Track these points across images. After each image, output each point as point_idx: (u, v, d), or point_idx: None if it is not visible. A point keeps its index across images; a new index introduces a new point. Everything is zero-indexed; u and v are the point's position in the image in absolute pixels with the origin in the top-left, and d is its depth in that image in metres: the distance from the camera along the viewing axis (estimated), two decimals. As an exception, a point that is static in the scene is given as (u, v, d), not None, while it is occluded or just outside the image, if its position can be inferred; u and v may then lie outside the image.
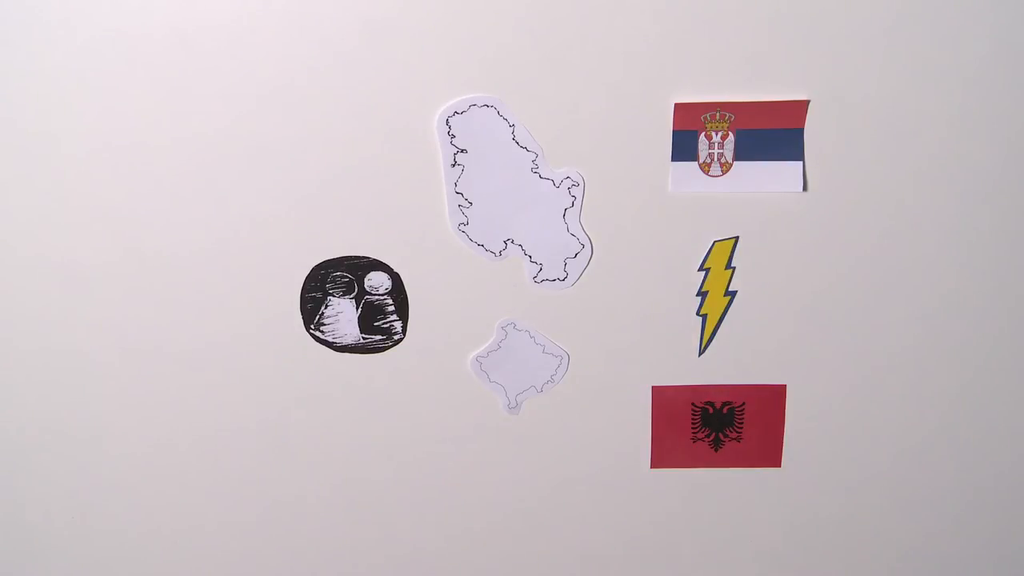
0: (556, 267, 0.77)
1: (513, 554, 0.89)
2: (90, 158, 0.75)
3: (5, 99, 0.73)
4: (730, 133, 0.72)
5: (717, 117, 0.72)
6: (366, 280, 0.78)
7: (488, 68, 0.71)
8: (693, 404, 0.82)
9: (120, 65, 0.72)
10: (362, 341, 0.80)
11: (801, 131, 0.72)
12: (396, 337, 0.80)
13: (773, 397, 0.82)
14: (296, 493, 0.87)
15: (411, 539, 0.89)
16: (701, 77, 0.71)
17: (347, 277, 0.78)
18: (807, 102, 0.71)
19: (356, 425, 0.84)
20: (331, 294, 0.79)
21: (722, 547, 0.88)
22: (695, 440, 0.84)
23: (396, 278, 0.78)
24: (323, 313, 0.79)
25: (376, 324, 0.80)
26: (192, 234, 0.77)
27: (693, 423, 0.83)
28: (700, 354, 0.80)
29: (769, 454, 0.84)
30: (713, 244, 0.76)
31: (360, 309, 0.79)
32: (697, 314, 0.79)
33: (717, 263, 0.77)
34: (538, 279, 0.78)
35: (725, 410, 0.83)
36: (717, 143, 0.72)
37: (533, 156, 0.73)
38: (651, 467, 0.85)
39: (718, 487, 0.86)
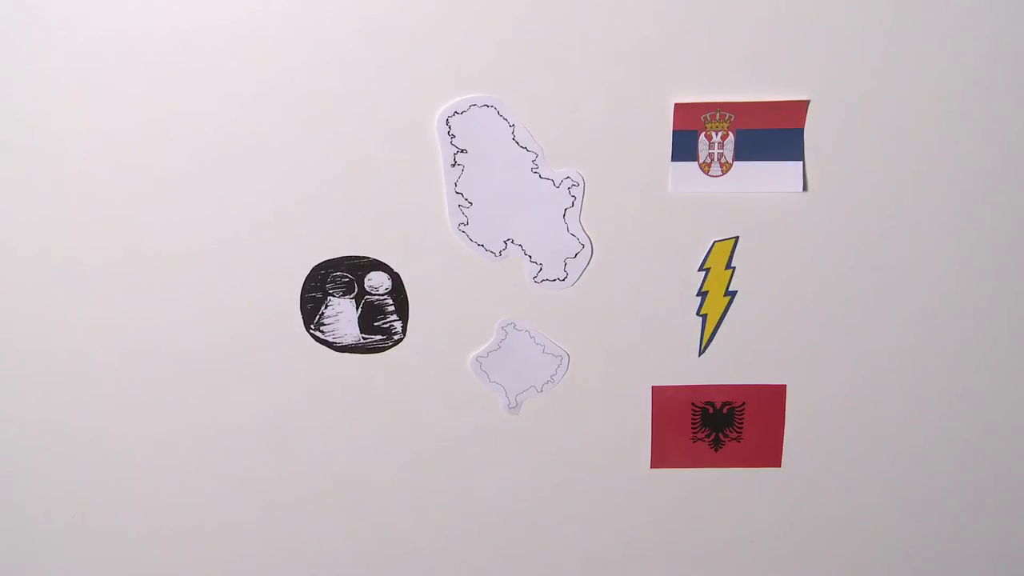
0: (556, 267, 0.77)
1: (513, 554, 0.89)
2: (90, 158, 0.75)
3: (5, 99, 0.73)
4: (730, 133, 0.72)
5: (717, 117, 0.72)
6: (366, 280, 0.78)
7: (488, 68, 0.71)
8: (693, 404, 0.82)
9: (120, 65, 0.72)
10: (362, 341, 0.80)
11: (801, 131, 0.72)
12: (396, 337, 0.80)
13: (773, 397, 0.82)
14: (296, 493, 0.87)
15: (411, 539, 0.89)
16: (701, 77, 0.71)
17: (347, 277, 0.78)
18: (807, 102, 0.71)
19: (356, 425, 0.84)
20: (331, 294, 0.79)
21: (722, 547, 0.88)
22: (695, 440, 0.84)
23: (396, 278, 0.78)
24: (323, 313, 0.79)
25: (376, 324, 0.80)
26: (192, 234, 0.77)
27: (693, 423, 0.83)
28: (700, 354, 0.80)
29: (769, 454, 0.84)
30: (713, 244, 0.76)
31: (360, 309, 0.79)
32: (697, 314, 0.79)
33: (717, 263, 0.77)
34: (538, 279, 0.78)
35: (725, 410, 0.83)
36: (717, 143, 0.72)
37: (533, 156, 0.73)
38: (651, 467, 0.85)
39: (718, 487, 0.86)
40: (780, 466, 0.85)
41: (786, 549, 0.88)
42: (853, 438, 0.83)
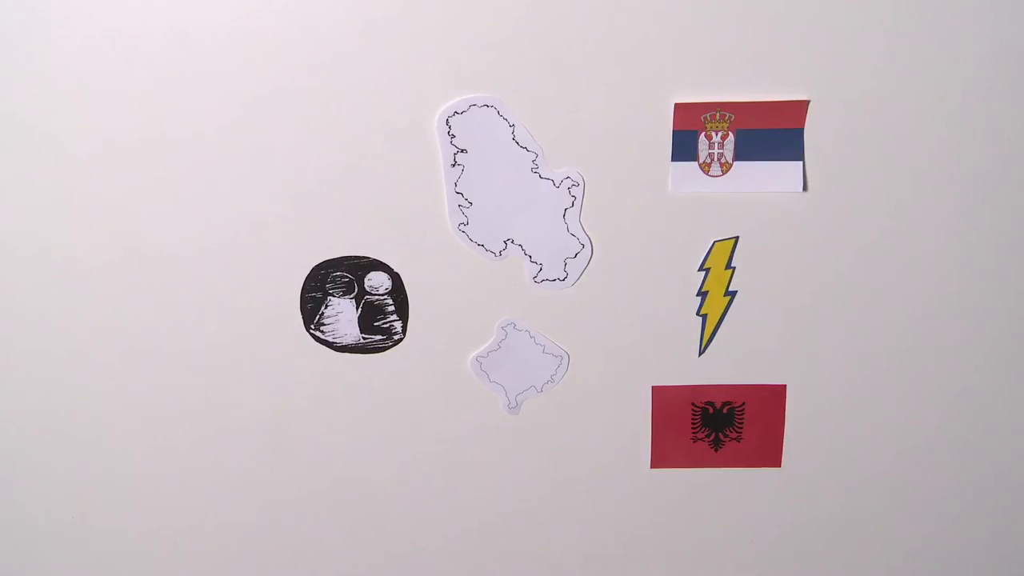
0: (556, 267, 0.77)
1: (513, 554, 0.89)
2: (90, 158, 0.75)
3: (5, 99, 0.73)
4: (730, 133, 0.72)
5: (717, 117, 0.72)
6: (366, 280, 0.78)
7: (488, 68, 0.71)
8: (693, 404, 0.82)
9: (120, 65, 0.72)
10: (362, 341, 0.80)
11: (801, 131, 0.72)
12: (396, 337, 0.80)
13: (773, 397, 0.82)
14: (296, 493, 0.87)
15: (411, 539, 0.89)
16: (701, 77, 0.71)
17: (347, 277, 0.78)
18: (807, 102, 0.71)
19: (356, 425, 0.84)
20: (331, 294, 0.79)
21: (722, 547, 0.88)
22: (695, 440, 0.84)
23: (396, 278, 0.78)
24: (323, 313, 0.79)
25: (376, 324, 0.80)
26: (192, 234, 0.77)
27: (693, 423, 0.83)
28: (700, 354, 0.80)
29: (769, 454, 0.84)
30: (713, 244, 0.76)
31: (360, 309, 0.79)
32: (697, 314, 0.79)
33: (717, 263, 0.77)
34: (538, 279, 0.78)
35: (725, 410, 0.83)
36: (717, 143, 0.72)
37: (533, 156, 0.73)
38: (651, 467, 0.85)
39: (718, 487, 0.86)
40: (780, 466, 0.85)
41: (786, 549, 0.88)
42: (853, 438, 0.83)
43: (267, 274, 0.78)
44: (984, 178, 0.73)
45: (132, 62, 0.71)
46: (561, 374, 0.81)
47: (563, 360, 0.81)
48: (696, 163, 0.73)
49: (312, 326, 0.80)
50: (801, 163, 0.73)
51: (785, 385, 0.82)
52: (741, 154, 0.73)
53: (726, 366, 0.81)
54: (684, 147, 0.73)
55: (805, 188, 0.74)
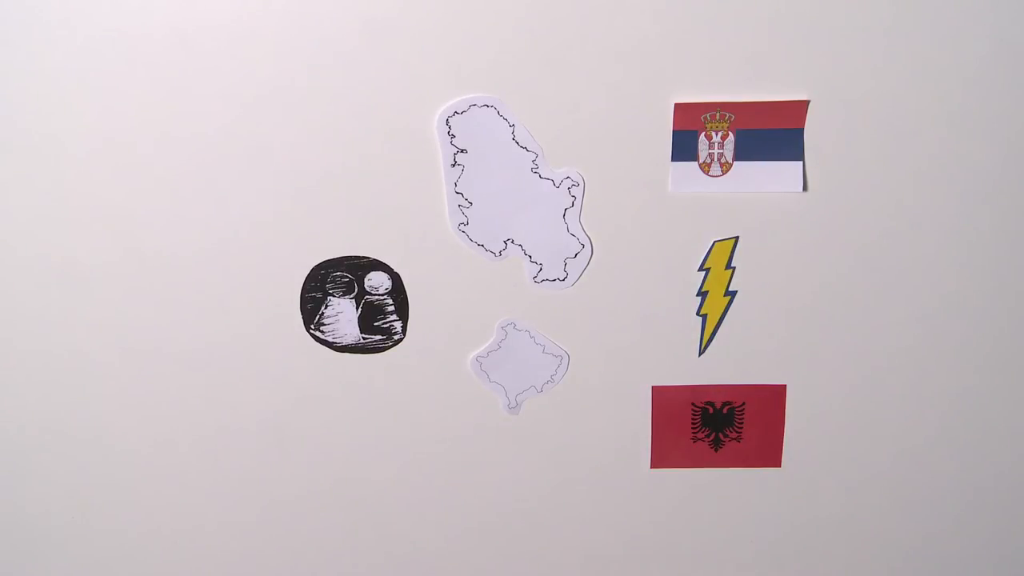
0: (556, 267, 0.77)
1: (513, 554, 0.89)
2: (90, 158, 0.75)
3: (5, 99, 0.73)
4: (730, 133, 0.72)
5: (717, 117, 0.72)
6: (366, 280, 0.78)
7: (488, 68, 0.71)
8: (693, 404, 0.82)
9: (120, 65, 0.72)
10: (362, 341, 0.80)
11: (801, 131, 0.72)
12: (396, 337, 0.80)
13: (773, 397, 0.82)
14: (296, 493, 0.87)
15: (411, 539, 0.89)
16: (701, 77, 0.71)
17: (347, 277, 0.78)
18: (807, 102, 0.71)
19: (356, 425, 0.84)
20: (331, 294, 0.79)
21: (722, 547, 0.88)
22: (695, 440, 0.84)
23: (396, 278, 0.78)
24: (323, 313, 0.79)
25: (376, 324, 0.80)
26: (192, 234, 0.77)
27: (693, 423, 0.83)
28: (700, 354, 0.80)
29: (769, 454, 0.84)
30: (713, 244, 0.76)
31: (360, 309, 0.79)
32: (697, 314, 0.79)
33: (717, 263, 0.77)
34: (538, 279, 0.78)
35: (725, 410, 0.83)
36: (717, 143, 0.72)
37: (533, 156, 0.73)
38: (651, 467, 0.85)
39: (718, 487, 0.86)
40: (780, 466, 0.85)
41: (786, 549, 0.88)
42: (853, 438, 0.83)
43: (267, 274, 0.78)
44: (984, 178, 0.73)
45: (132, 62, 0.71)
46: (561, 374, 0.81)
47: (563, 360, 0.81)
48: (696, 163, 0.73)
49: (312, 326, 0.80)
50: (801, 163, 0.73)
51: (785, 385, 0.82)
52: (741, 154, 0.73)
53: (726, 366, 0.81)
54: (684, 147, 0.73)
55: (805, 188, 0.74)
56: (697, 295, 0.78)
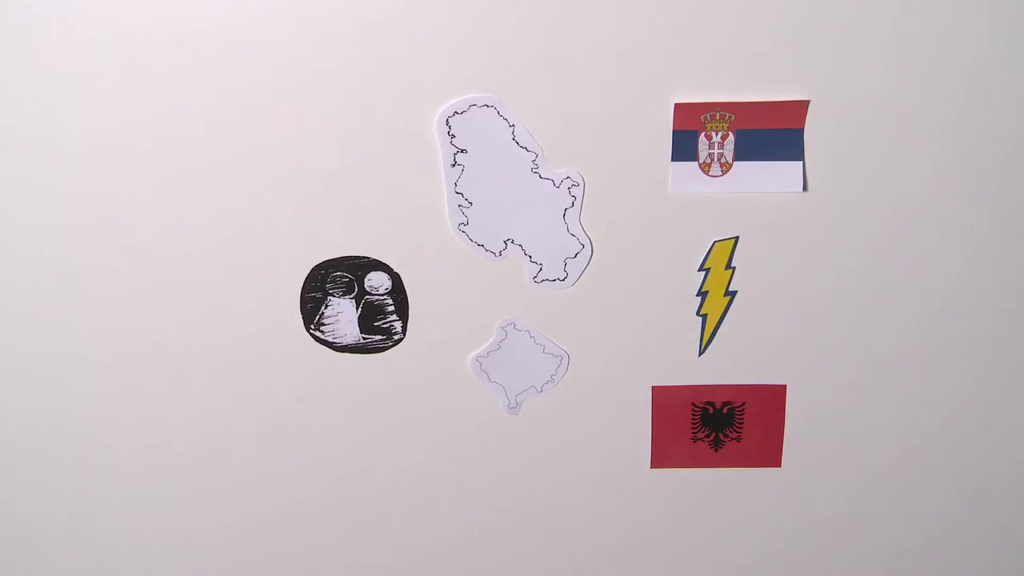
0: (556, 267, 0.77)
1: (513, 554, 0.89)
2: (90, 158, 0.75)
3: (5, 99, 0.73)
4: (730, 133, 0.72)
5: (717, 117, 0.72)
6: (366, 280, 0.78)
7: (488, 68, 0.71)
8: (693, 404, 0.82)
9: (120, 65, 0.72)
10: (362, 341, 0.80)
11: (801, 131, 0.72)
12: (396, 337, 0.80)
13: (773, 397, 0.82)
14: (296, 493, 0.87)
15: (411, 539, 0.89)
16: (701, 77, 0.71)
17: (347, 277, 0.78)
18: (807, 102, 0.71)
19: (356, 425, 0.84)
20: (331, 294, 0.79)
21: (722, 547, 0.88)
22: (695, 440, 0.84)
23: (396, 278, 0.78)
24: (323, 313, 0.79)
25: (376, 324, 0.80)
26: (192, 234, 0.77)
27: (693, 423, 0.83)
28: (700, 354, 0.80)
29: (769, 454, 0.84)
30: (713, 244, 0.76)
31: (360, 309, 0.79)
32: (697, 314, 0.79)
33: (717, 263, 0.77)
34: (538, 279, 0.78)
35: (725, 410, 0.83)
36: (717, 143, 0.73)
37: (533, 156, 0.73)
38: (651, 467, 0.85)
39: (718, 487, 0.86)
40: (780, 466, 0.85)
41: (786, 549, 0.88)
42: (853, 438, 0.83)
43: (267, 274, 0.78)
44: (984, 178, 0.73)
45: (132, 62, 0.71)
46: (561, 374, 0.81)
47: (563, 360, 0.81)
48: (696, 163, 0.73)
49: (312, 326, 0.80)
50: (801, 163, 0.73)
51: (785, 385, 0.82)
52: (741, 154, 0.73)
53: (726, 366, 0.81)
54: (684, 147, 0.73)
55: (805, 188, 0.74)
56: (697, 295, 0.78)
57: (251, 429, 0.84)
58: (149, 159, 0.74)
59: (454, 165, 0.74)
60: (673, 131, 0.72)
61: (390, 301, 0.79)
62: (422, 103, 0.72)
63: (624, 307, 0.79)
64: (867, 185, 0.74)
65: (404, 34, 0.70)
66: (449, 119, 0.72)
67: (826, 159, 0.73)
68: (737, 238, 0.76)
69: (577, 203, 0.75)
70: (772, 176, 0.74)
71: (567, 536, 0.88)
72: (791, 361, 0.81)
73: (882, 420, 0.82)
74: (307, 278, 0.78)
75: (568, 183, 0.74)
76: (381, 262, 0.78)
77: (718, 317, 0.79)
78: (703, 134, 0.72)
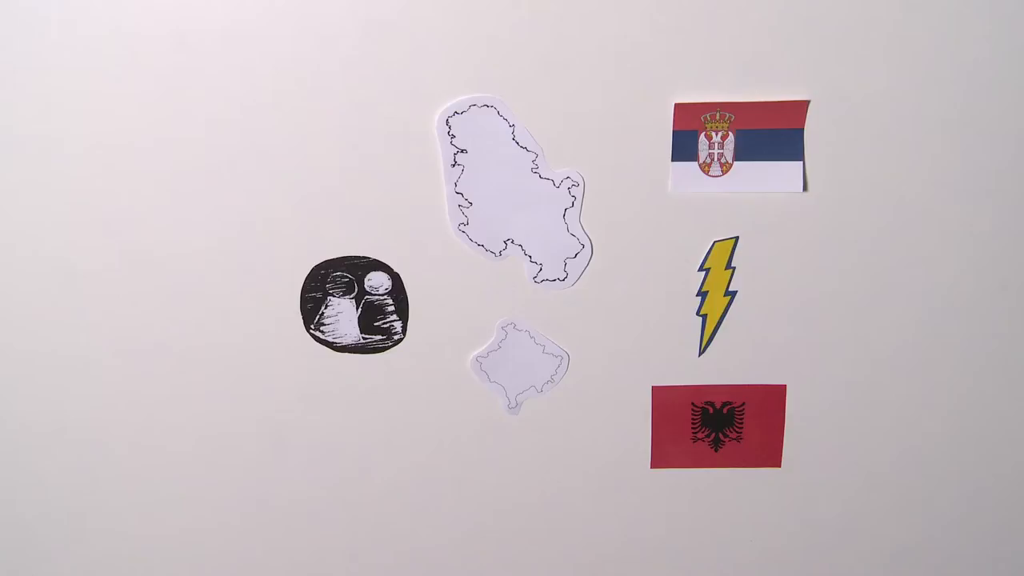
0: (556, 267, 0.77)
1: (513, 554, 0.89)
2: (90, 158, 0.75)
3: (5, 99, 0.73)
4: (730, 133, 0.72)
5: (717, 117, 0.72)
6: (366, 280, 0.78)
7: (488, 68, 0.71)
8: (693, 404, 0.82)
9: (119, 65, 0.72)
10: (362, 341, 0.80)
11: (801, 131, 0.72)
12: (396, 337, 0.80)
13: (773, 397, 0.82)
14: (296, 493, 0.87)
15: (411, 539, 0.89)
16: (701, 77, 0.71)
17: (347, 277, 0.78)
18: (807, 102, 0.71)
19: (356, 425, 0.84)
20: (331, 294, 0.79)
21: (722, 547, 0.88)
22: (695, 440, 0.84)
23: (396, 278, 0.78)
24: (323, 313, 0.79)
25: (376, 324, 0.80)
26: (192, 234, 0.77)
27: (693, 423, 0.83)
28: (700, 354, 0.80)
29: (769, 454, 0.84)
30: (713, 244, 0.76)
31: (360, 309, 0.79)
32: (697, 314, 0.79)
33: (717, 263, 0.77)
34: (538, 279, 0.78)
35: (725, 410, 0.83)
36: (717, 143, 0.73)
37: (533, 156, 0.73)
38: (651, 467, 0.85)
39: (718, 487, 0.86)
40: (780, 466, 0.85)
41: (786, 549, 0.88)
42: (853, 438, 0.83)
43: (267, 274, 0.78)
44: (984, 178, 0.73)
45: (132, 62, 0.71)
46: (561, 374, 0.81)
47: (563, 360, 0.81)
48: (696, 163, 0.73)
49: (312, 326, 0.80)
50: (801, 163, 0.73)
51: (785, 385, 0.82)
52: (741, 154, 0.73)
53: (726, 366, 0.81)
54: (684, 147, 0.73)
55: (805, 188, 0.74)
56: (697, 295, 0.78)
57: (251, 429, 0.84)
58: (149, 159, 0.74)
59: (454, 165, 0.74)
60: (673, 131, 0.72)
61: (390, 301, 0.79)
62: (422, 103, 0.72)
63: (624, 307, 0.79)
64: (867, 185, 0.74)
65: (404, 34, 0.70)
66: (449, 119, 0.72)
67: (826, 159, 0.73)
68: (737, 238, 0.76)
69: (577, 203, 0.75)
70: (772, 176, 0.74)
71: (567, 536, 0.88)
72: (791, 361, 0.81)
73: (882, 420, 0.82)
74: (307, 278, 0.78)
75: (568, 183, 0.74)
76: (381, 262, 0.78)
77: (718, 317, 0.79)
78: (703, 134, 0.72)
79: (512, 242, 0.77)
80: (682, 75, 0.70)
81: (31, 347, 0.82)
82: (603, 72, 0.71)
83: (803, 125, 0.72)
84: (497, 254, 0.77)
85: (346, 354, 0.81)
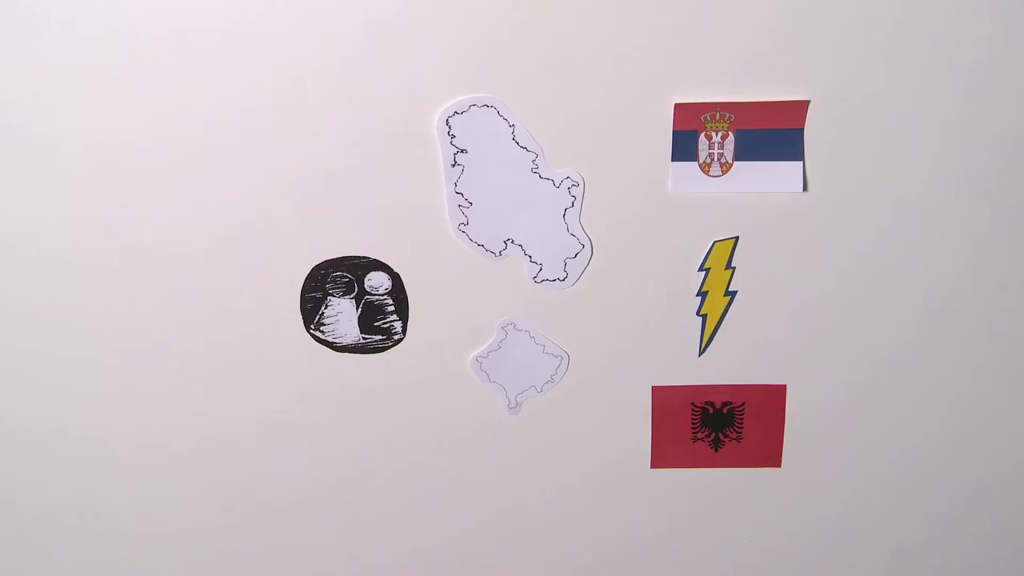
0: (556, 267, 0.77)
1: (513, 554, 0.89)
2: (90, 158, 0.75)
3: (5, 99, 0.73)
4: (730, 133, 0.72)
5: (717, 117, 0.72)
6: (366, 280, 0.78)
7: (488, 68, 0.71)
8: (693, 404, 0.82)
9: (119, 65, 0.72)
10: (362, 341, 0.80)
11: (801, 131, 0.72)
12: (396, 337, 0.80)
13: (773, 397, 0.82)
14: (296, 493, 0.87)
15: (411, 539, 0.89)
16: (701, 77, 0.71)
17: (347, 277, 0.78)
18: (807, 102, 0.71)
19: (356, 425, 0.84)
20: (331, 294, 0.79)
21: (722, 547, 0.88)
22: (695, 440, 0.84)
23: (396, 278, 0.78)
24: (323, 313, 0.79)
25: (376, 324, 0.80)
26: (192, 234, 0.77)
27: (693, 423, 0.83)
28: (700, 354, 0.80)
29: (769, 454, 0.84)
30: (713, 244, 0.76)
31: (360, 309, 0.79)
32: (697, 314, 0.79)
33: (717, 263, 0.77)
34: (538, 279, 0.78)
35: (725, 410, 0.83)
36: (717, 143, 0.73)
37: (533, 156, 0.73)
38: (651, 467, 0.85)
39: (718, 487, 0.86)
40: (780, 466, 0.85)
41: (786, 549, 0.88)
42: (853, 438, 0.83)
43: (267, 274, 0.78)
44: (984, 178, 0.73)
45: (132, 62, 0.71)
46: (561, 374, 0.81)
47: (563, 360, 0.81)
48: (696, 163, 0.73)
49: (312, 326, 0.80)
50: (801, 163, 0.73)
51: (785, 385, 0.82)
52: (741, 154, 0.73)
53: (726, 366, 0.81)
54: (684, 147, 0.73)
55: (805, 188, 0.74)
56: (697, 295, 0.78)
57: (251, 429, 0.84)
58: (149, 159, 0.74)
59: (454, 165, 0.74)
60: (673, 131, 0.72)
61: (390, 301, 0.79)
62: (422, 103, 0.72)
63: (624, 307, 0.79)
64: (867, 185, 0.74)
65: (404, 34, 0.70)
66: (449, 119, 0.72)
67: (826, 159, 0.73)
68: (737, 238, 0.76)
69: (577, 203, 0.75)
70: (772, 176, 0.74)
71: (567, 536, 0.88)
72: (791, 361, 0.81)
73: (882, 420, 0.82)
74: (307, 278, 0.78)
75: (568, 183, 0.74)
76: (381, 262, 0.78)
77: (718, 317, 0.79)
78: (703, 134, 0.72)
79: (512, 242, 0.77)
80: (682, 75, 0.70)
81: (31, 347, 0.82)
82: (603, 72, 0.71)
83: (803, 125, 0.72)
84: (497, 254, 0.77)
85: (346, 354, 0.81)
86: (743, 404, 0.82)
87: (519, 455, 0.85)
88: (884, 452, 0.84)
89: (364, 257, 0.78)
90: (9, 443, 0.86)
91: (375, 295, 0.79)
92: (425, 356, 0.81)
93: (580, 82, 0.71)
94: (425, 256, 0.77)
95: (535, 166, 0.74)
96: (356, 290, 0.79)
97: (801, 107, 0.71)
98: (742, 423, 0.83)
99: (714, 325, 0.79)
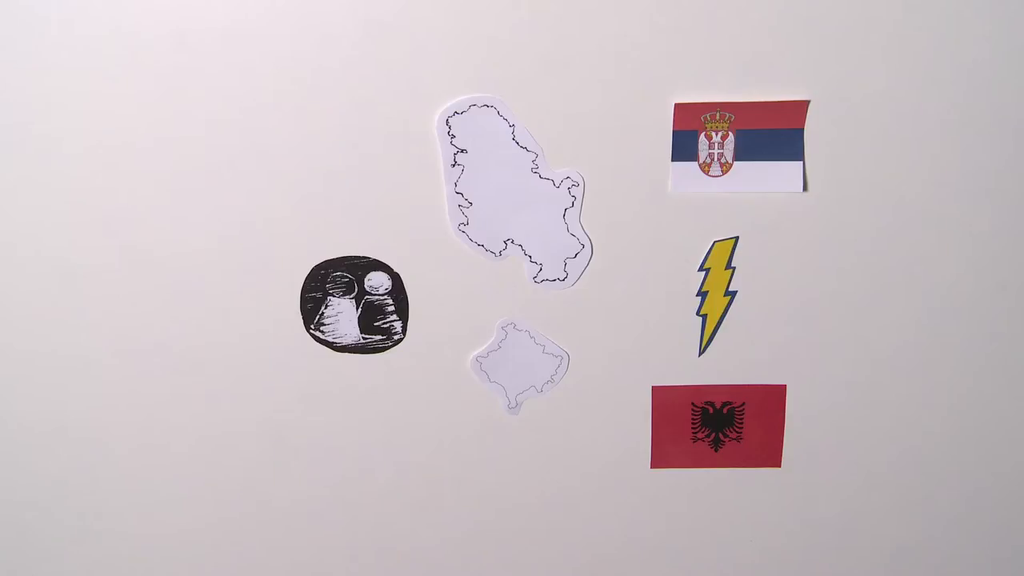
0: (556, 267, 0.77)
1: (513, 554, 0.89)
2: (90, 158, 0.75)
3: (5, 98, 0.73)
4: (730, 133, 0.72)
5: (717, 117, 0.72)
6: (366, 280, 0.78)
7: (488, 68, 0.71)
8: (693, 404, 0.82)
9: (119, 65, 0.72)
10: (362, 341, 0.80)
11: (801, 131, 0.72)
12: (396, 337, 0.80)
13: (773, 397, 0.82)
14: (296, 493, 0.87)
15: (411, 539, 0.89)
16: (701, 77, 0.71)
17: (347, 277, 0.78)
18: (807, 102, 0.71)
19: (356, 425, 0.84)
20: (331, 294, 0.79)
21: (722, 547, 0.88)
22: (695, 440, 0.84)
23: (396, 278, 0.78)
24: (323, 313, 0.79)
25: (376, 324, 0.80)
26: (192, 234, 0.77)
27: (693, 423, 0.83)
28: (700, 354, 0.80)
29: (769, 454, 0.84)
30: (713, 244, 0.76)
31: (360, 309, 0.79)
32: (697, 314, 0.79)
33: (717, 263, 0.77)
34: (538, 279, 0.78)
35: (725, 410, 0.83)
36: (717, 143, 0.73)
37: (533, 156, 0.73)
38: (651, 467, 0.85)
39: (718, 487, 0.86)
40: (780, 466, 0.85)
41: (786, 549, 0.88)
42: (853, 438, 0.83)
43: (267, 274, 0.78)
44: (984, 178, 0.73)
45: (132, 62, 0.71)
46: (561, 374, 0.81)
47: (563, 360, 0.81)
48: (696, 163, 0.73)
49: (312, 326, 0.80)
50: (801, 163, 0.73)
51: (785, 385, 0.82)
52: (741, 154, 0.73)
53: (726, 366, 0.81)
54: (684, 147, 0.73)
55: (805, 188, 0.74)
56: (697, 295, 0.78)
57: (251, 429, 0.84)
58: (149, 159, 0.74)
59: (454, 165, 0.74)
60: (673, 131, 0.72)
61: (390, 301, 0.79)
62: (422, 103, 0.72)
63: (624, 307, 0.79)
64: (867, 185, 0.74)
65: (404, 34, 0.70)
66: (449, 119, 0.72)
67: (826, 159, 0.73)
68: (737, 238, 0.76)
69: (577, 203, 0.75)
70: (772, 176, 0.74)
71: (567, 536, 0.88)
72: (791, 361, 0.81)
73: (882, 420, 0.82)
74: (307, 278, 0.78)
75: (568, 183, 0.74)
76: (381, 262, 0.78)
77: (718, 317, 0.79)
78: (703, 134, 0.72)
79: (512, 242, 0.77)
80: (682, 75, 0.70)
81: (31, 347, 0.82)
82: (603, 72, 0.71)
83: (803, 125, 0.72)
84: (497, 254, 0.77)
85: (346, 354, 0.81)
86: (743, 404, 0.82)
87: (519, 455, 0.85)
88: (884, 452, 0.84)
89: (364, 257, 0.78)
90: (9, 443, 0.86)
91: (375, 295, 0.79)
92: (425, 356, 0.81)
93: (580, 82, 0.71)
94: (425, 256, 0.77)
95: (535, 166, 0.74)
96: (356, 290, 0.79)
97: (801, 107, 0.71)
98: (742, 423, 0.83)
99: (714, 325, 0.79)
